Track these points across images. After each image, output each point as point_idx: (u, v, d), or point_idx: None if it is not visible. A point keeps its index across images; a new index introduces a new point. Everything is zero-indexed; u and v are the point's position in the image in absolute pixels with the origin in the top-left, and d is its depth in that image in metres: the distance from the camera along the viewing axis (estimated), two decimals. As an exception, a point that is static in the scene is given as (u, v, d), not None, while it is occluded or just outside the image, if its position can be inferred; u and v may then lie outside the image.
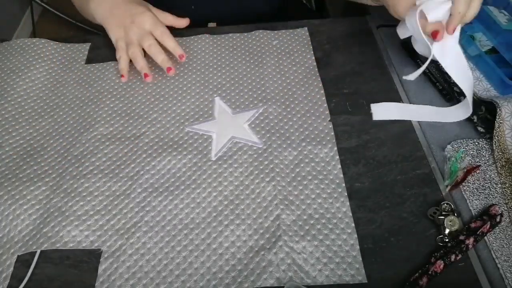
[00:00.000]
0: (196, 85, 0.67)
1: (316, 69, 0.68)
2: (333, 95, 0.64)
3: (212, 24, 0.83)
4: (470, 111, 0.58)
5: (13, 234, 0.50)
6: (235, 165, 0.56)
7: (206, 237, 0.50)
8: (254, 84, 0.67)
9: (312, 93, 0.64)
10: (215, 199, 0.53)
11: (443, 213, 0.49)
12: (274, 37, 0.73)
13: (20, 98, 0.66)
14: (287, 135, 0.60)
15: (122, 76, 0.67)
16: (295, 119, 0.61)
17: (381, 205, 0.52)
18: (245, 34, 0.74)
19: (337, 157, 0.57)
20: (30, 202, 0.53)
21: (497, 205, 0.50)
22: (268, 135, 0.60)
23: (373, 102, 0.63)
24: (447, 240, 0.48)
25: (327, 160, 0.57)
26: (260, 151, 0.58)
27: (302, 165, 0.56)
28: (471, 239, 0.47)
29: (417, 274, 0.46)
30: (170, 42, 0.66)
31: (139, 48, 0.66)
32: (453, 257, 0.46)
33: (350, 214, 0.51)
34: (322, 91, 0.64)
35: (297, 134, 0.60)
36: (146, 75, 0.66)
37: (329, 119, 0.61)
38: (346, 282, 0.46)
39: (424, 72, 0.67)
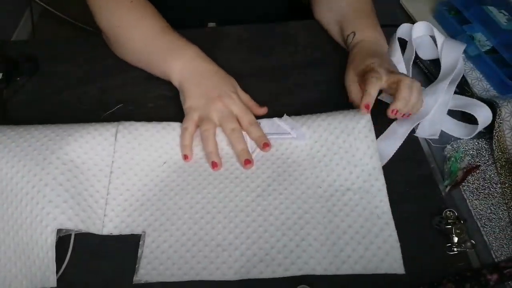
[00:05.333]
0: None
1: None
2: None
3: (211, 24, 0.82)
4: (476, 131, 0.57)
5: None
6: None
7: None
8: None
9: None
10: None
11: (449, 221, 0.49)
12: None
13: None
14: None
15: (185, 157, 0.55)
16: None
17: (381, 205, 0.52)
18: None
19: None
20: None
21: None
22: None
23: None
24: (455, 249, 0.47)
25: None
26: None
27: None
28: (495, 276, 0.45)
29: None
30: (258, 132, 0.56)
31: (215, 129, 0.56)
32: (468, 286, 0.44)
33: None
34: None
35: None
36: (215, 164, 0.54)
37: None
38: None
39: (425, 74, 0.67)
